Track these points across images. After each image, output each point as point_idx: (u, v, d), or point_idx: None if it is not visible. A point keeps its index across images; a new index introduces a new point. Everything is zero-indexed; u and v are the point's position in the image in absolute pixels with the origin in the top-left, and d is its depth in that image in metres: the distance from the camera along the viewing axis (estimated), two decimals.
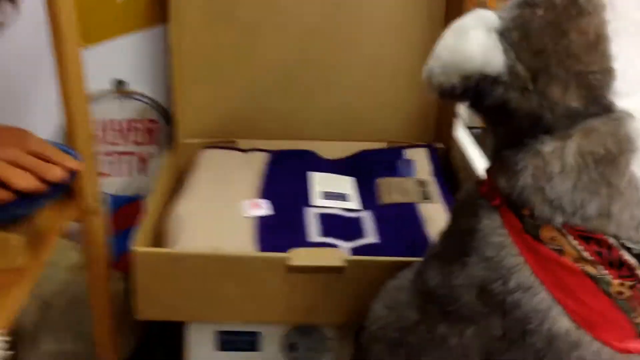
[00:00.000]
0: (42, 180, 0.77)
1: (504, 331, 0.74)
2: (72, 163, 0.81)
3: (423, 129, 1.36)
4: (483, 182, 0.78)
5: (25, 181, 0.75)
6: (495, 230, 0.74)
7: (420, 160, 1.30)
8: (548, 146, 0.70)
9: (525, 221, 0.72)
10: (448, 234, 0.82)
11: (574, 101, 0.69)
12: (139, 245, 1.00)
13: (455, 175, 1.29)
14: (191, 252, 1.00)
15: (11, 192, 0.74)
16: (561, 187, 0.69)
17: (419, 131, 1.36)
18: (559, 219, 0.70)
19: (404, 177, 1.25)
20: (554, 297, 0.71)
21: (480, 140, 1.33)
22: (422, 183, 1.23)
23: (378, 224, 1.12)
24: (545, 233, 0.71)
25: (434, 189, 1.22)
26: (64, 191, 0.86)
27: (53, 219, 0.87)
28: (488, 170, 0.78)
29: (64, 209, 0.90)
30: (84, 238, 0.98)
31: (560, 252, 0.70)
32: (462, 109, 1.33)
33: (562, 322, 0.71)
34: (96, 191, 0.96)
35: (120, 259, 1.33)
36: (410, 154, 1.31)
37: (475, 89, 0.72)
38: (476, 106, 0.75)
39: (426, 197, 1.19)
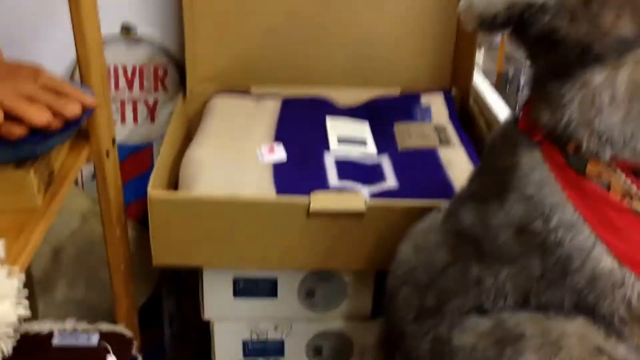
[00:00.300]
0: (58, 116, 0.71)
1: (543, 271, 0.70)
2: (87, 99, 0.75)
3: (438, 75, 1.30)
4: (520, 117, 0.73)
5: (40, 116, 0.69)
6: (536, 167, 0.69)
7: (436, 106, 1.25)
8: (597, 76, 0.64)
9: (570, 157, 0.67)
10: (483, 173, 0.77)
11: (626, 29, 0.63)
12: (154, 190, 0.94)
13: (473, 122, 1.24)
14: (208, 197, 0.95)
15: (26, 127, 0.69)
16: (611, 119, 0.64)
17: (434, 77, 1.30)
18: (607, 153, 0.65)
19: (422, 122, 1.20)
20: (597, 235, 0.67)
21: (496, 85, 1.28)
22: (440, 128, 1.18)
23: (397, 168, 1.07)
24: (592, 168, 0.66)
25: (452, 134, 1.17)
26: (78, 129, 0.80)
27: (68, 160, 0.82)
28: (527, 105, 0.73)
29: (79, 150, 0.85)
30: (99, 182, 0.93)
31: (607, 188, 0.66)
32: (480, 54, 1.27)
33: (605, 261, 0.67)
34: (110, 132, 0.90)
35: (130, 208, 1.29)
36: (426, 99, 1.26)
37: (518, 17, 0.66)
38: (517, 36, 0.69)
39: (445, 142, 1.13)
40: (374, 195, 1.00)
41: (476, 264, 0.74)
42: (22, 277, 0.60)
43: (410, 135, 1.16)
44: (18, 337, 0.95)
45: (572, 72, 0.66)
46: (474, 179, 0.79)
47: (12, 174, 0.70)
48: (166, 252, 0.98)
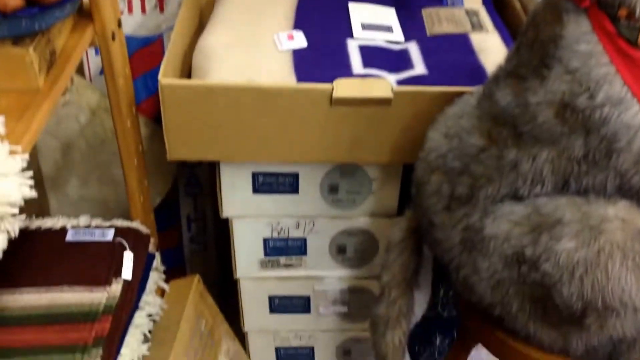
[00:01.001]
0: None
1: (586, 152, 0.67)
2: None
3: None
4: None
5: None
6: (582, 37, 0.65)
7: None
8: None
9: (621, 24, 0.63)
10: (522, 48, 0.73)
11: None
12: (166, 77, 0.91)
13: (508, 5, 1.18)
14: (223, 84, 0.92)
15: None
16: None
17: None
18: None
19: (452, 6, 1.14)
20: None
21: None
22: (472, 12, 1.12)
23: (426, 55, 1.03)
24: None
25: (485, 18, 1.12)
26: (79, 5, 0.77)
27: (71, 41, 0.79)
28: None
29: (82, 30, 0.82)
30: (105, 69, 0.90)
31: None
32: None
33: None
34: (115, 13, 0.87)
35: (143, 105, 1.27)
36: None
37: None
38: None
39: (478, 27, 1.08)
40: (402, 83, 0.96)
41: (513, 147, 0.71)
42: (26, 157, 0.59)
43: (440, 20, 1.11)
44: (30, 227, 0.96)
45: None
46: (512, 57, 0.75)
47: (11, 51, 0.68)
48: (181, 145, 0.96)
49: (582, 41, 0.65)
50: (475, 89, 0.82)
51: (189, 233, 1.40)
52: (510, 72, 0.73)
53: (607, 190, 0.68)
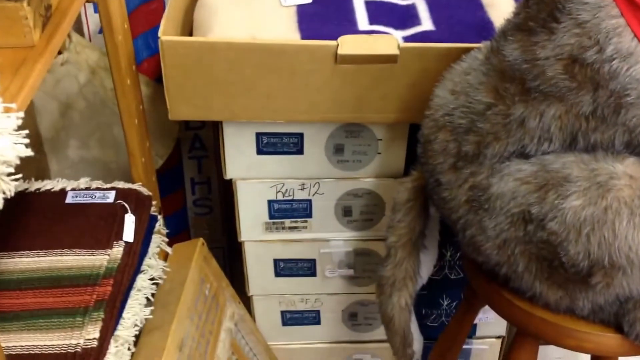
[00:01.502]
0: None
1: (595, 108, 0.67)
2: None
3: None
4: None
5: None
6: None
7: None
8: None
9: None
10: (530, 1, 0.73)
11: None
12: (167, 35, 0.92)
13: None
14: (225, 41, 0.92)
15: None
16: None
17: None
18: None
19: None
20: None
21: None
22: None
23: (433, 11, 1.03)
24: None
25: None
26: None
27: None
28: None
29: None
30: (103, 24, 0.91)
31: None
32: None
33: None
34: None
35: (144, 65, 1.27)
36: None
37: None
38: None
39: None
40: (408, 39, 0.96)
41: (520, 103, 0.72)
42: (21, 115, 0.60)
43: None
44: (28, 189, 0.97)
45: None
46: (520, 11, 0.75)
47: (4, 5, 0.68)
48: (182, 105, 0.97)
49: None
50: (483, 45, 0.82)
51: (193, 196, 1.41)
52: (519, 26, 0.73)
53: (615, 147, 0.69)
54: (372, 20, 1.01)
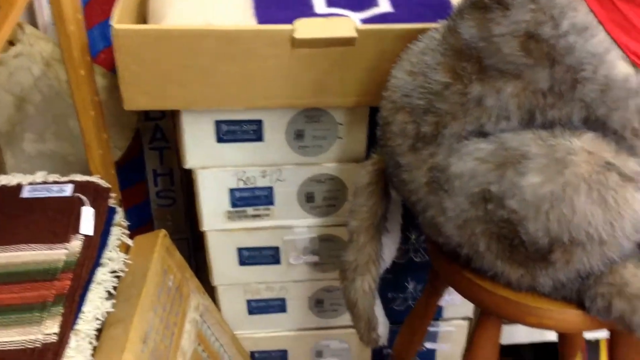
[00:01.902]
0: None
1: (552, 84, 0.67)
2: None
3: None
4: None
5: None
6: None
7: None
8: None
9: None
10: None
11: None
12: (120, 23, 0.89)
13: None
14: (180, 28, 0.90)
15: None
16: None
17: None
18: None
19: None
20: (613, 38, 0.63)
21: None
22: None
23: None
24: None
25: None
26: None
27: None
28: None
29: None
30: (55, 13, 0.88)
31: None
32: None
33: (620, 67, 0.63)
34: None
35: (100, 56, 1.24)
36: None
37: None
38: None
39: None
40: (367, 22, 0.95)
41: (477, 82, 0.71)
42: None
43: None
44: None
45: None
46: None
47: None
48: (138, 94, 0.94)
49: None
50: (440, 24, 0.81)
51: (155, 188, 1.39)
52: (474, 3, 0.72)
53: (573, 123, 0.68)
54: (330, 3, 0.99)
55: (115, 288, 0.94)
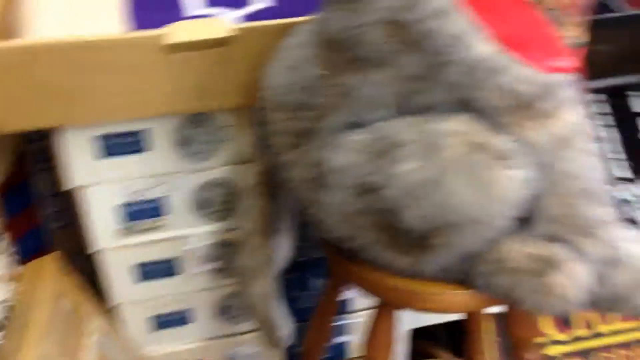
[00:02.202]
0: None
1: (419, 69, 0.67)
2: None
3: None
4: None
5: None
6: None
7: None
8: None
9: None
10: None
11: None
12: None
13: None
14: (46, 42, 0.87)
15: None
16: None
17: None
18: None
19: None
20: (472, 18, 0.64)
21: None
22: None
23: None
24: None
25: None
26: None
27: None
28: None
29: None
30: None
31: None
32: None
33: (482, 47, 0.64)
34: None
35: None
36: None
37: None
38: None
39: None
40: (249, 18, 0.94)
41: (349, 72, 0.71)
42: None
43: None
44: None
45: None
46: None
47: None
48: (10, 115, 0.90)
49: None
50: (314, 16, 0.80)
51: (49, 210, 1.34)
52: None
53: (446, 107, 0.69)
54: (208, 3, 0.98)
55: (7, 318, 0.90)
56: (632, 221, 1.17)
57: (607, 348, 1.26)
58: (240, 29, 0.89)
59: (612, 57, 1.29)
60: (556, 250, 0.70)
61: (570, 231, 0.70)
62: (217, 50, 0.90)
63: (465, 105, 0.68)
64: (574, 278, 0.69)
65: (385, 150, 0.68)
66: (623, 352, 1.27)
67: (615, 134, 1.29)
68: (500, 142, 0.66)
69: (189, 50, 0.89)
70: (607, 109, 1.29)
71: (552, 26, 0.65)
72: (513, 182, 0.66)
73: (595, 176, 0.71)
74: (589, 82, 1.31)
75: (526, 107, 0.66)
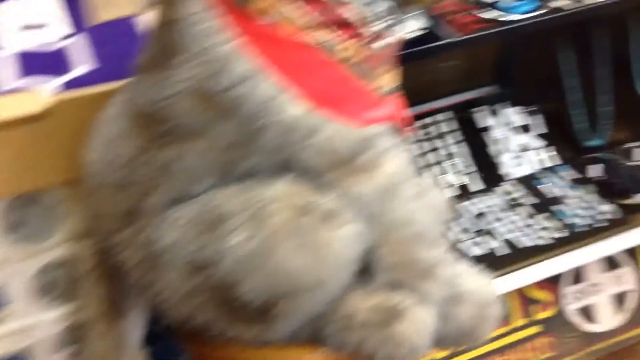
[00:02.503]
0: None
1: (235, 136, 0.66)
2: None
3: None
4: None
5: None
6: (198, 17, 0.63)
7: None
8: None
9: None
10: (152, 37, 0.69)
11: None
12: None
13: None
14: None
15: None
16: None
17: None
18: None
19: None
20: (280, 81, 0.63)
21: None
22: None
23: (93, 49, 0.97)
24: (259, 3, 0.61)
25: None
26: None
27: None
28: None
29: None
30: None
31: (276, 24, 0.61)
32: None
33: (294, 108, 0.63)
34: None
35: None
36: None
37: None
38: None
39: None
40: (70, 85, 0.90)
41: (165, 146, 0.68)
42: None
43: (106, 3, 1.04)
44: None
45: None
46: (145, 50, 0.71)
47: None
48: None
49: (198, 21, 0.63)
50: (127, 84, 0.77)
51: None
52: (143, 67, 0.69)
53: (270, 170, 0.67)
54: (24, 72, 0.93)
55: None
56: (489, 233, 1.21)
57: (481, 357, 1.27)
58: (57, 100, 0.85)
59: (454, 77, 1.34)
60: (399, 298, 0.70)
61: (409, 276, 0.71)
62: (34, 125, 0.85)
63: (287, 167, 0.66)
64: (419, 323, 0.69)
65: (213, 224, 0.66)
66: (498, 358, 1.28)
67: (465, 149, 1.33)
68: (326, 201, 0.65)
69: (4, 130, 0.84)
70: (455, 125, 1.33)
71: (361, 79, 0.65)
72: (343, 240, 0.65)
73: (424, 219, 0.71)
74: (434, 102, 1.36)
75: (346, 162, 0.65)
